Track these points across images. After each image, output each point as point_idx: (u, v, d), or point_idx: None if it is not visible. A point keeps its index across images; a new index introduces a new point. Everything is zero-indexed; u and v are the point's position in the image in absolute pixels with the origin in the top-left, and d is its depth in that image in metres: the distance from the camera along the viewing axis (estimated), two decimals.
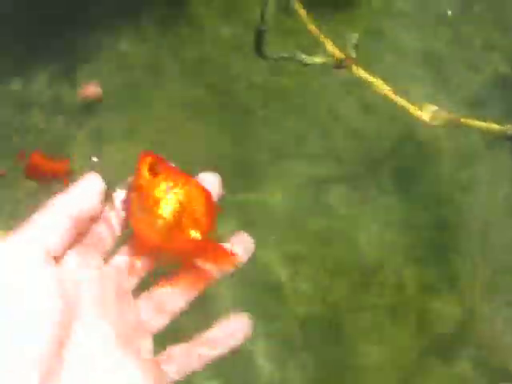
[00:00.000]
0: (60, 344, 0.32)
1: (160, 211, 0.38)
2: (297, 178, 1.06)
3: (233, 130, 1.11)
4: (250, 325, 0.39)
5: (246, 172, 1.08)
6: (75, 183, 0.36)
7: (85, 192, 0.35)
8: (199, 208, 0.38)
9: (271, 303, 0.98)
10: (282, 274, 1.00)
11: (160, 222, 0.38)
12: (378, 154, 1.06)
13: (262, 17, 0.66)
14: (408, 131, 1.05)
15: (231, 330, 0.39)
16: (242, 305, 0.94)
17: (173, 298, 0.39)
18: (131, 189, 0.39)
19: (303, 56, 0.70)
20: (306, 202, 1.04)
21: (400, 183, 1.06)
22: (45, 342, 0.31)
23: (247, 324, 0.39)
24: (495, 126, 0.74)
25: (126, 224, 0.39)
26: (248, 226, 0.99)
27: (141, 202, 0.38)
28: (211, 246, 0.39)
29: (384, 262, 1.02)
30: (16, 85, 1.17)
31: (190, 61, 1.17)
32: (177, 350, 0.39)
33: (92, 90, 1.20)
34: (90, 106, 1.16)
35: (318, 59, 0.70)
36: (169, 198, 0.38)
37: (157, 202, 0.38)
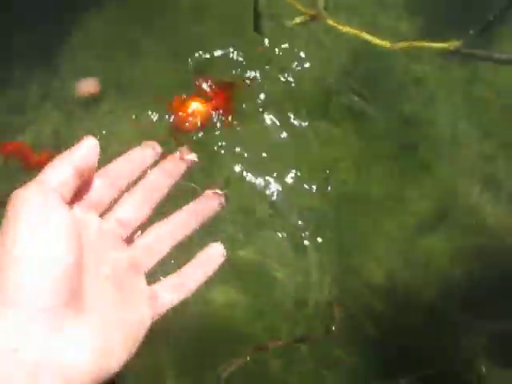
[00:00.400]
0: (79, 269, 0.37)
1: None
2: None
3: None
4: (223, 249, 0.48)
5: None
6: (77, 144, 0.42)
7: (85, 148, 0.41)
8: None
9: None
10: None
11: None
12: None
13: (255, 9, 0.88)
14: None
15: (209, 257, 0.47)
16: None
17: (160, 241, 0.46)
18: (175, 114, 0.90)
19: (288, 22, 0.92)
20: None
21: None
22: (72, 261, 0.36)
23: (221, 249, 0.48)
24: (440, 44, 0.98)
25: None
26: None
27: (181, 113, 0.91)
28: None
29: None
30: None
31: None
32: (170, 280, 0.46)
33: (90, 85, 1.25)
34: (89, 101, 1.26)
35: (298, 20, 0.92)
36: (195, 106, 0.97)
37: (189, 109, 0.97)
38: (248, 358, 1.05)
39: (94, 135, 0.42)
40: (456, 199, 1.25)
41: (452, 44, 1.00)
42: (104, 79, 1.27)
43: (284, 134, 1.21)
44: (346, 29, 0.96)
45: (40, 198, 0.37)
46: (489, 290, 1.18)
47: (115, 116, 1.24)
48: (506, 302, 1.16)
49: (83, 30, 1.30)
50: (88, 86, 1.24)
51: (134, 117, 1.22)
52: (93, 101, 1.24)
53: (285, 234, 1.20)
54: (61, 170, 0.39)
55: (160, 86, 1.23)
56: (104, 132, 1.21)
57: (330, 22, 0.96)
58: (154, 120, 1.18)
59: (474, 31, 1.13)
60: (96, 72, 1.27)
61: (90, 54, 1.29)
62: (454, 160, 1.26)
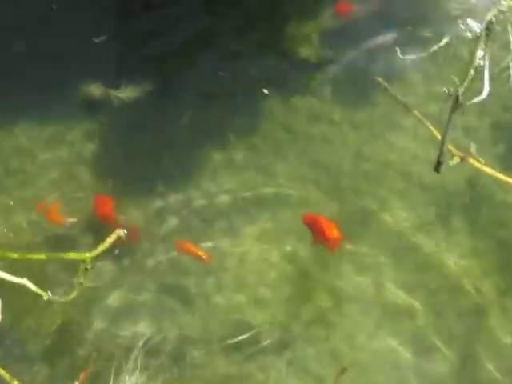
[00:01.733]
0: None
1: None
2: None
3: None
4: None
5: None
6: None
7: None
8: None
9: None
10: None
11: None
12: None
13: (441, 150, 1.05)
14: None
15: None
16: None
17: None
18: None
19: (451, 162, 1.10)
20: None
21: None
22: None
23: None
24: None
25: None
26: None
27: None
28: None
29: None
30: None
31: None
32: None
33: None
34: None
35: (452, 162, 1.10)
36: None
37: None
38: None
39: None
40: None
41: None
42: None
43: None
44: (487, 169, 1.13)
45: None
46: None
47: None
48: None
49: None
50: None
51: None
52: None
53: None
54: None
55: None
56: None
57: (477, 162, 1.13)
58: None
59: None
60: None
61: None
62: None
